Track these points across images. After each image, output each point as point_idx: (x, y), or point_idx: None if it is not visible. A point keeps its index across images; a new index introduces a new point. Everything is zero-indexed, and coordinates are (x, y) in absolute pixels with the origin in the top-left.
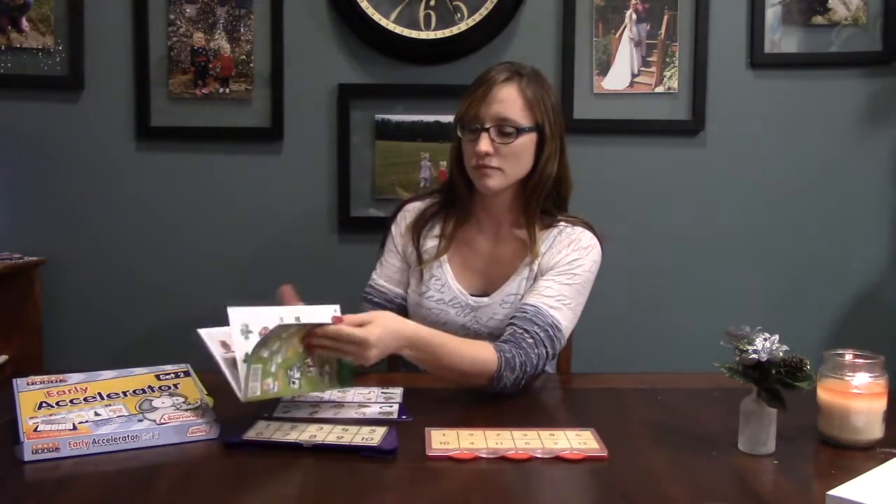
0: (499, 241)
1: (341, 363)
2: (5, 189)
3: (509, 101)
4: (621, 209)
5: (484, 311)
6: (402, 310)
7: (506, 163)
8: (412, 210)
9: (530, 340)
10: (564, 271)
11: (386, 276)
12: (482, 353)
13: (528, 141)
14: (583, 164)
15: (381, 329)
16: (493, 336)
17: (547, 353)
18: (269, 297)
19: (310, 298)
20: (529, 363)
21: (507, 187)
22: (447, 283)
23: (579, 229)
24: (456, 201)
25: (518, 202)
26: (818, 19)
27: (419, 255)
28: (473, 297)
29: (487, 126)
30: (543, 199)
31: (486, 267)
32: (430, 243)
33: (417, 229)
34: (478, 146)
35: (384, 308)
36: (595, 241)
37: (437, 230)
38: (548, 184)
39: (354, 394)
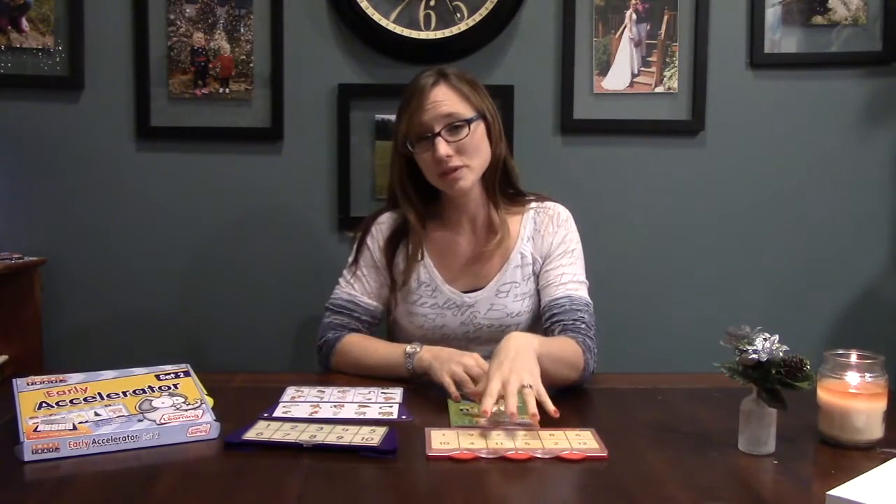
0: (477, 237)
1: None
2: (5, 189)
3: (446, 98)
4: (621, 209)
5: (481, 305)
6: (380, 324)
7: (469, 158)
8: (385, 222)
9: (583, 326)
10: (565, 251)
11: (368, 292)
12: (570, 344)
13: (479, 130)
14: (583, 164)
15: (497, 357)
16: (493, 329)
17: (594, 332)
18: (265, 298)
19: (309, 298)
20: (594, 343)
21: (476, 182)
22: (438, 287)
23: (549, 204)
24: (409, 222)
25: (484, 193)
26: (818, 19)
27: (392, 275)
28: (467, 294)
29: (438, 130)
30: (501, 183)
31: (471, 265)
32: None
33: (393, 245)
34: (437, 152)
35: (370, 324)
36: (564, 208)
37: (408, 247)
38: (500, 165)
39: (354, 394)
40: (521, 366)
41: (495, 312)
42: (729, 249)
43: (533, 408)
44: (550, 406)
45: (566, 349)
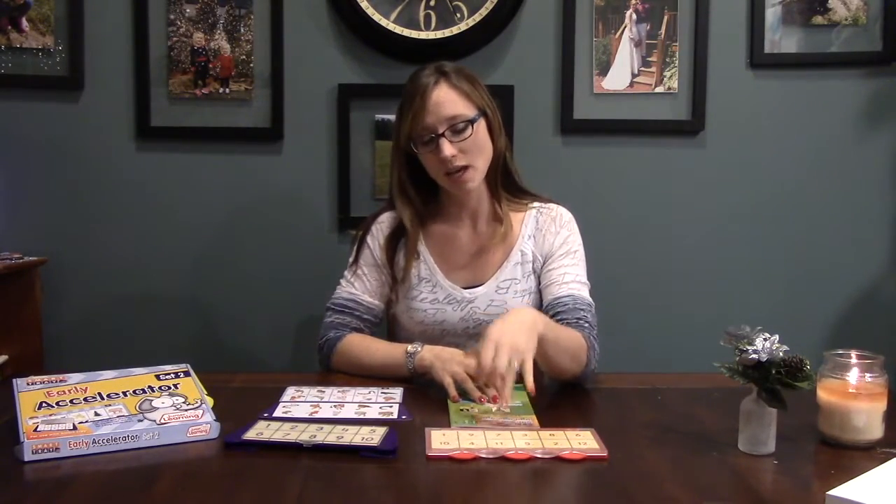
0: (478, 233)
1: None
2: (5, 189)
3: (448, 99)
4: (621, 209)
5: (481, 301)
6: (381, 323)
7: (474, 157)
8: (386, 221)
9: (586, 325)
10: (567, 252)
11: (370, 291)
12: (576, 335)
13: (482, 128)
14: (583, 164)
15: (499, 323)
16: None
17: (596, 332)
18: (265, 298)
19: (309, 298)
20: (597, 343)
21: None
22: (438, 283)
23: (552, 205)
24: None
25: (486, 187)
26: (818, 19)
27: (392, 272)
28: (468, 290)
29: (441, 131)
30: (503, 178)
31: (472, 260)
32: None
33: (394, 243)
34: (442, 153)
35: (371, 323)
36: (567, 211)
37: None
38: (502, 159)
39: (354, 394)
40: (515, 337)
41: (495, 308)
42: (729, 249)
43: (530, 383)
44: (530, 383)
45: (572, 339)
